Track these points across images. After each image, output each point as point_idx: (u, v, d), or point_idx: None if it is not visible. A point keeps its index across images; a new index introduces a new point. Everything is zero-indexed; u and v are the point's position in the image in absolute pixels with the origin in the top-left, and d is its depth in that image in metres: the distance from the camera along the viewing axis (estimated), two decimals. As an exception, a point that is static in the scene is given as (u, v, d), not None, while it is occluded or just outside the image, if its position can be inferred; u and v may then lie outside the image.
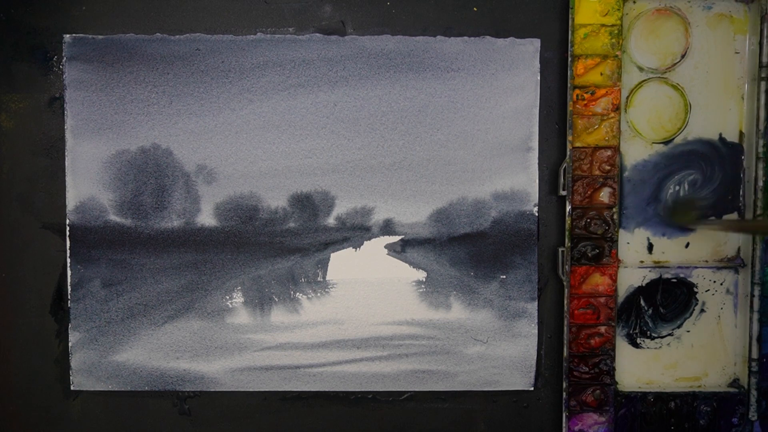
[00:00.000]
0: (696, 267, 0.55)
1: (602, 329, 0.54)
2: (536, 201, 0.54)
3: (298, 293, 0.55)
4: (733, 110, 0.54)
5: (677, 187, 0.54)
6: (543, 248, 0.55)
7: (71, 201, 0.54)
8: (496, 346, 0.55)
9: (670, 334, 0.55)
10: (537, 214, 0.54)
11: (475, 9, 0.54)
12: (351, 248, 0.55)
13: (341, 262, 0.55)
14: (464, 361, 0.55)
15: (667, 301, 0.55)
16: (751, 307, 0.53)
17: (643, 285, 0.55)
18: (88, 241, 0.54)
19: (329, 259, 0.55)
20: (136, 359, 0.54)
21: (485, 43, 0.54)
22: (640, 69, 0.54)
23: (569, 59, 0.52)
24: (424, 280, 0.55)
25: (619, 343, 0.55)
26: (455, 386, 0.55)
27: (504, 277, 0.55)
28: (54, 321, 0.55)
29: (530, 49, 0.54)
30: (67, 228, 0.54)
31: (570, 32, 0.52)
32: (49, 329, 0.55)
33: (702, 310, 0.55)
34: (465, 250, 0.55)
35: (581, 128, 0.52)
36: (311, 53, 0.54)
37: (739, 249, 0.55)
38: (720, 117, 0.54)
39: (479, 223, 0.54)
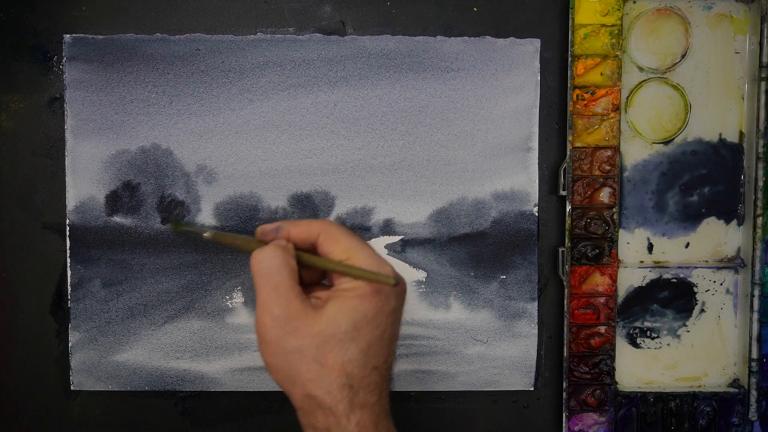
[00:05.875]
0: (696, 267, 0.55)
1: (602, 329, 0.54)
2: (536, 201, 0.54)
3: (298, 293, 0.54)
4: (733, 110, 0.54)
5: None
6: (543, 248, 0.55)
7: (71, 201, 0.54)
8: (496, 346, 0.55)
9: (669, 334, 0.55)
10: (537, 214, 0.54)
11: (475, 9, 0.54)
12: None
13: (341, 262, 0.55)
14: (464, 361, 0.55)
15: (667, 301, 0.55)
16: (751, 307, 0.53)
17: (643, 285, 0.55)
18: (88, 241, 0.54)
19: (329, 259, 0.55)
20: (136, 359, 0.54)
21: (485, 43, 0.54)
22: (640, 69, 0.54)
23: (569, 59, 0.52)
24: (424, 280, 0.55)
25: (619, 343, 0.55)
26: (455, 386, 0.55)
27: (504, 277, 0.55)
28: (54, 321, 0.55)
29: (530, 49, 0.54)
30: (67, 228, 0.54)
31: (570, 32, 0.52)
32: (49, 329, 0.55)
33: (702, 310, 0.55)
34: (465, 250, 0.55)
35: (581, 128, 0.52)
36: (311, 53, 0.54)
37: (739, 249, 0.55)
38: (720, 117, 0.54)
39: (479, 223, 0.55)
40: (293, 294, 0.36)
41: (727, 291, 0.55)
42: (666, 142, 0.55)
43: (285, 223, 0.40)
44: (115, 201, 0.54)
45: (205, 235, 0.41)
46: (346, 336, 0.36)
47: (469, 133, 0.54)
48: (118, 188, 0.54)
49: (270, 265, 0.37)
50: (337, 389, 0.35)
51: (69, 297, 0.54)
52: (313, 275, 0.41)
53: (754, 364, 0.53)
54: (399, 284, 0.37)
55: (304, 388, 0.36)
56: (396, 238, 0.55)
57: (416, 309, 0.55)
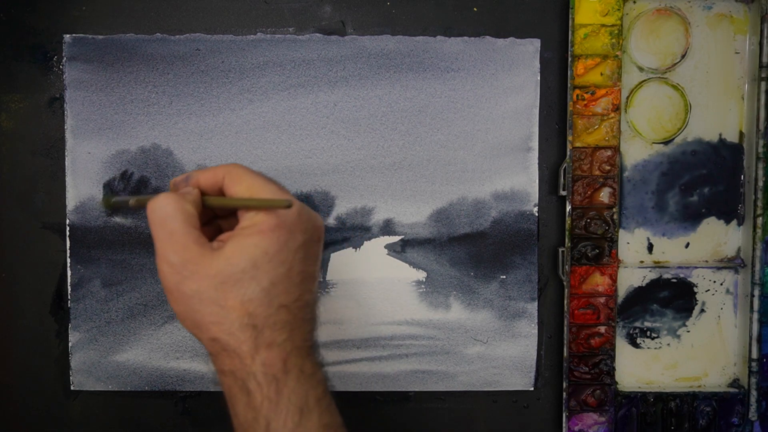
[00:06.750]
0: (696, 267, 0.55)
1: (602, 329, 0.54)
2: (536, 201, 0.54)
3: (298, 293, 0.54)
4: (733, 110, 0.54)
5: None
6: (543, 248, 0.55)
7: (71, 201, 0.54)
8: (496, 346, 0.55)
9: (669, 334, 0.55)
10: (537, 214, 0.54)
11: (475, 9, 0.54)
12: (351, 248, 0.55)
13: (341, 263, 0.55)
14: (464, 361, 0.55)
15: (667, 301, 0.55)
16: (751, 307, 0.53)
17: (643, 285, 0.55)
18: (88, 241, 0.54)
19: (329, 260, 0.55)
20: (136, 359, 0.54)
21: (485, 43, 0.54)
22: (640, 69, 0.54)
23: (569, 59, 0.52)
24: (424, 280, 0.55)
25: (619, 343, 0.55)
26: (455, 386, 0.55)
27: (504, 277, 0.55)
28: (54, 321, 0.55)
29: (530, 49, 0.54)
30: (67, 228, 0.54)
31: (570, 32, 0.52)
32: (49, 329, 0.55)
33: (702, 310, 0.55)
34: (465, 250, 0.55)
35: (581, 128, 0.52)
36: (311, 53, 0.54)
37: (739, 249, 0.55)
38: (720, 117, 0.54)
39: (479, 223, 0.55)
40: (189, 239, 0.35)
41: (727, 291, 0.55)
42: (666, 142, 0.55)
43: (194, 172, 0.39)
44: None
45: (130, 202, 0.40)
46: (244, 275, 0.34)
47: (469, 133, 0.54)
48: (116, 188, 0.54)
49: (163, 212, 0.35)
50: (239, 330, 0.34)
51: (69, 297, 0.54)
52: (232, 224, 0.39)
53: (754, 364, 0.53)
54: (291, 206, 0.35)
55: (208, 331, 0.35)
56: (396, 238, 0.55)
57: (416, 309, 0.55)
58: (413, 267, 0.55)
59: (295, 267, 0.36)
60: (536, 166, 0.54)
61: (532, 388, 0.55)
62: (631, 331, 0.55)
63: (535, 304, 0.55)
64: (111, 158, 0.54)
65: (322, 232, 0.38)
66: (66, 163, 0.54)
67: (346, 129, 0.54)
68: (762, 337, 0.53)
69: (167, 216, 0.35)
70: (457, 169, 0.54)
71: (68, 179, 0.54)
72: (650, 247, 0.55)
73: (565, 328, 0.54)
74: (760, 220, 0.53)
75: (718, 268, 0.55)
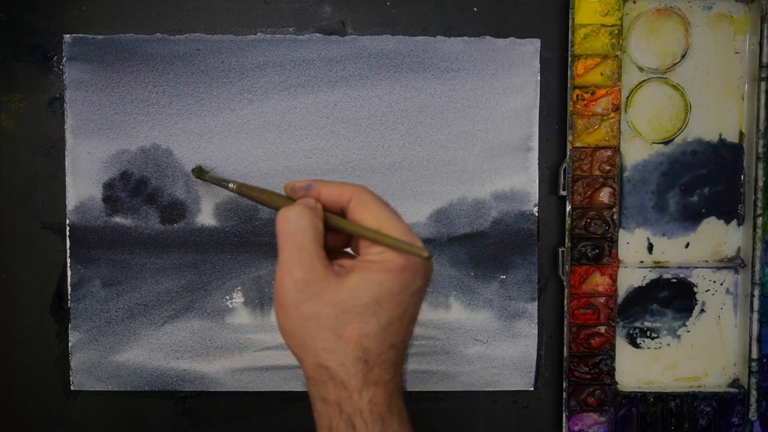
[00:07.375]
0: (696, 267, 0.55)
1: (602, 329, 0.54)
2: (536, 201, 0.54)
3: (298, 293, 0.54)
4: (733, 110, 0.54)
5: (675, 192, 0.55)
6: (543, 248, 0.55)
7: (71, 201, 0.54)
8: (496, 346, 0.55)
9: (669, 334, 0.55)
10: (537, 214, 0.54)
11: (475, 9, 0.54)
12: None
13: (341, 262, 0.55)
14: (464, 361, 0.55)
15: (667, 301, 0.55)
16: (751, 307, 0.53)
17: (643, 285, 0.55)
18: (88, 241, 0.54)
19: (329, 259, 0.55)
20: (136, 359, 0.54)
21: (485, 43, 0.54)
22: (640, 69, 0.54)
23: (569, 59, 0.52)
24: (424, 280, 0.55)
25: (619, 343, 0.55)
26: (455, 386, 0.55)
27: (504, 277, 0.55)
28: (54, 321, 0.55)
29: (530, 49, 0.54)
30: (67, 228, 0.54)
31: (570, 32, 0.52)
32: (49, 329, 0.55)
33: (702, 310, 0.55)
34: (465, 250, 0.55)
35: (581, 128, 0.52)
36: (311, 53, 0.54)
37: (739, 249, 0.55)
38: (720, 117, 0.54)
39: (479, 223, 0.55)
40: (317, 258, 0.35)
41: (727, 291, 0.55)
42: (666, 142, 0.55)
43: (316, 182, 0.38)
44: (114, 201, 0.54)
45: (230, 186, 0.39)
46: (367, 309, 0.34)
47: (469, 133, 0.54)
48: (116, 188, 0.54)
49: (296, 225, 0.35)
50: (352, 362, 0.34)
51: (69, 297, 0.54)
52: (336, 241, 0.39)
53: (754, 364, 0.53)
54: (431, 259, 0.35)
55: (317, 357, 0.35)
56: (396, 238, 0.54)
57: (416, 309, 0.55)
58: (413, 267, 0.55)
59: (409, 309, 0.36)
60: (536, 166, 0.54)
61: (532, 388, 0.55)
62: (631, 331, 0.55)
63: (535, 304, 0.55)
64: (111, 158, 0.54)
65: (431, 276, 0.38)
66: (66, 163, 0.54)
67: (346, 129, 0.54)
68: (762, 337, 0.53)
69: (300, 230, 0.35)
70: (457, 169, 0.54)
71: (68, 179, 0.54)
72: (650, 247, 0.55)
73: (565, 328, 0.54)
74: (760, 220, 0.53)
75: (718, 268, 0.55)
